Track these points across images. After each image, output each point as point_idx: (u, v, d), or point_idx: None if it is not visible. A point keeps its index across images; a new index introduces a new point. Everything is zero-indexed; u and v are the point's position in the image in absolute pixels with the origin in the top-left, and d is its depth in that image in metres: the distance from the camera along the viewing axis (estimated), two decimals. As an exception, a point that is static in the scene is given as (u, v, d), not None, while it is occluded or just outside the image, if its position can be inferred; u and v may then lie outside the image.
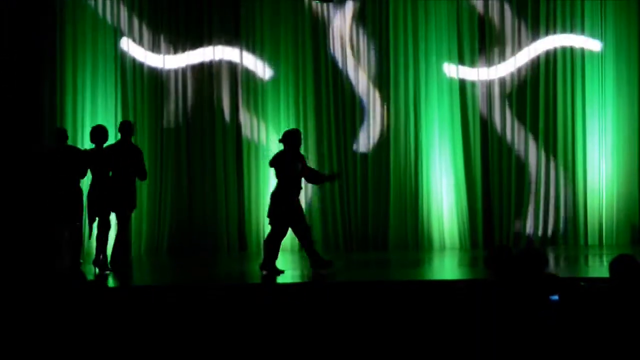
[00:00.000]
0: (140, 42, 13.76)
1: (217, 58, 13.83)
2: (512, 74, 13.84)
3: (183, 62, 13.83)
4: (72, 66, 13.57)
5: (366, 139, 13.88)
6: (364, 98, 13.89)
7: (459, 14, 13.83)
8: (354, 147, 13.87)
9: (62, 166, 11.19)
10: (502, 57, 13.83)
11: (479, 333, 5.86)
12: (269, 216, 10.98)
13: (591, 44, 13.76)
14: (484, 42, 13.87)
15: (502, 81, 13.84)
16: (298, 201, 11.04)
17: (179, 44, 13.81)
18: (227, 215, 13.73)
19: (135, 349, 5.99)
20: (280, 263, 10.94)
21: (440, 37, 13.82)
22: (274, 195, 10.97)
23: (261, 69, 13.87)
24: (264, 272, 10.70)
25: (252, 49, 13.85)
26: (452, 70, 13.78)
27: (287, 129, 11.80)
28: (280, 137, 11.20)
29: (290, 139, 11.03)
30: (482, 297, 5.88)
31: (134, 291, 9.60)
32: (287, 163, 10.96)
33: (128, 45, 13.70)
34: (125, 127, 11.63)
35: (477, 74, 13.82)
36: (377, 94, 13.88)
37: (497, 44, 13.83)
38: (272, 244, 10.85)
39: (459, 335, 6.21)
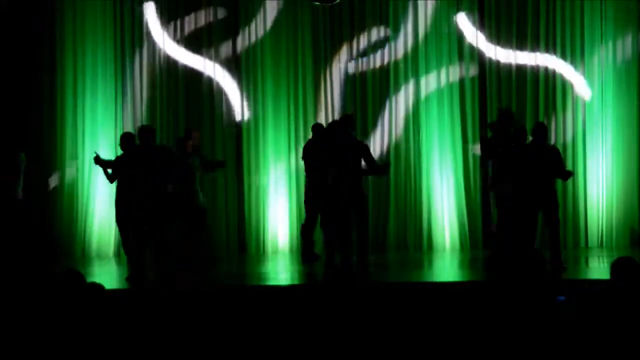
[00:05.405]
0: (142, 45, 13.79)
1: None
2: (512, 74, 13.85)
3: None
4: (72, 67, 13.61)
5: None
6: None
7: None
8: None
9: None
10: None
11: (480, 335, 5.85)
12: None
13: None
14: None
15: (501, 83, 13.85)
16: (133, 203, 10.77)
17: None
18: (226, 215, 13.69)
19: (133, 352, 5.96)
20: (279, 265, 10.93)
21: (440, 40, 13.82)
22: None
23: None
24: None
25: (253, 54, 13.87)
26: (452, 72, 13.81)
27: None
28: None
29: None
30: (484, 299, 5.88)
31: (133, 294, 9.57)
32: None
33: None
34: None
35: (477, 74, 13.86)
36: (377, 93, 13.89)
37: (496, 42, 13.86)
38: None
39: (459, 337, 6.18)
